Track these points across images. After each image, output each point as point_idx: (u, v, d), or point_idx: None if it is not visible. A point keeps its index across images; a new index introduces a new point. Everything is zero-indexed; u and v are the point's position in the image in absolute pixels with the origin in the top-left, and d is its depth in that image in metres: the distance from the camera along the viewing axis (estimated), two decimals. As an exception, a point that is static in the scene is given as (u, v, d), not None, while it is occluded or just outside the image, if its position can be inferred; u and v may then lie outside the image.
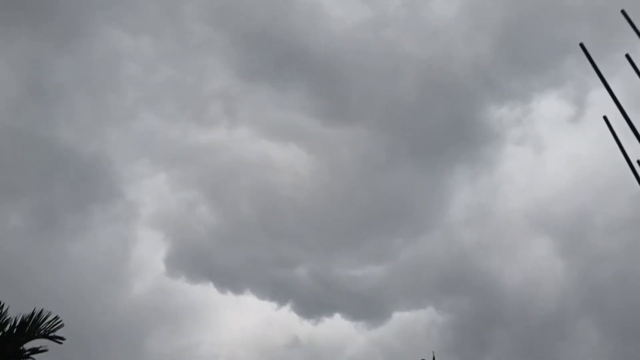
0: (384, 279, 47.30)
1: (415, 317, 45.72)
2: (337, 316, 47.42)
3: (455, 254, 47.75)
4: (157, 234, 49.46)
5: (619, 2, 11.99)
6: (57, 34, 48.84)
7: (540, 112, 52.65)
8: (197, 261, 48.69)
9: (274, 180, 52.17)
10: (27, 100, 46.64)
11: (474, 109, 52.26)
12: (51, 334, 14.74)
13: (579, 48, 11.71)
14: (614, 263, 39.72)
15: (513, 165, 52.94)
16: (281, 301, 47.47)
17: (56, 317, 14.85)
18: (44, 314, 14.91)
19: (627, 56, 11.21)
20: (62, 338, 15.04)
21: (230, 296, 48.50)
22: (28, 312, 14.78)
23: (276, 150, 53.09)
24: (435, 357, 17.64)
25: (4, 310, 14.49)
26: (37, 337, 14.86)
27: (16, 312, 14.86)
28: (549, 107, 52.86)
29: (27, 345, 14.97)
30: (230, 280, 48.26)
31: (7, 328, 14.42)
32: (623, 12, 11.29)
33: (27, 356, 14.82)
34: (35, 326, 14.81)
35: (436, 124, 51.62)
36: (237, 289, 47.95)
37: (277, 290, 48.25)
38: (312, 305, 47.56)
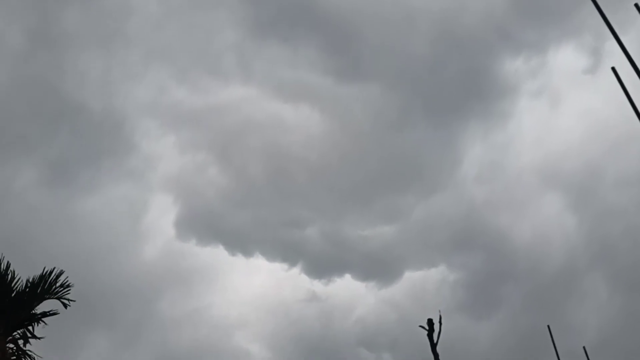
0: (395, 239, 47.34)
1: (426, 275, 45.96)
2: (348, 277, 47.83)
3: (467, 211, 47.59)
4: (166, 197, 49.60)
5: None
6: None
7: (557, 63, 51.35)
8: (207, 224, 48.73)
9: (285, 140, 51.66)
10: (35, 49, 46.17)
11: (489, 61, 50.98)
12: (61, 296, 14.92)
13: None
14: (624, 218, 39.41)
15: (526, 119, 51.92)
16: (292, 262, 47.75)
17: (65, 276, 15.01)
18: (55, 273, 15.07)
19: (636, 5, 10.71)
20: (72, 300, 15.26)
21: (240, 258, 48.90)
22: (39, 271, 14.96)
23: (287, 109, 52.37)
24: (442, 317, 17.69)
25: (13, 272, 14.67)
26: (48, 298, 15.04)
27: (28, 271, 15.07)
28: (565, 58, 51.52)
29: (38, 309, 15.26)
30: (240, 242, 48.30)
31: (18, 291, 14.61)
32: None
33: (39, 319, 15.10)
34: (47, 287, 14.97)
35: (450, 78, 50.49)
36: (248, 251, 47.91)
37: (287, 251, 48.45)
38: (323, 266, 47.82)
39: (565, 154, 48.14)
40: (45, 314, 15.08)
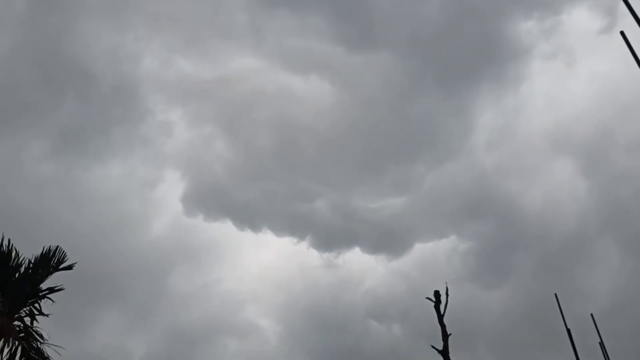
0: (405, 210, 47.09)
1: (437, 246, 45.80)
2: (357, 249, 47.74)
3: (477, 179, 47.17)
4: (173, 173, 49.38)
5: None
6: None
7: (571, 24, 50.07)
8: (214, 199, 48.59)
9: (294, 112, 51.01)
10: (41, 15, 45.53)
11: (501, 24, 49.79)
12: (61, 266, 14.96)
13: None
14: (636, 182, 38.85)
15: (539, 82, 51.09)
16: (300, 236, 47.71)
17: (65, 254, 15.05)
18: (59, 252, 15.12)
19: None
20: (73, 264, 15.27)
21: (249, 233, 48.73)
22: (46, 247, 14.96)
23: (296, 80, 51.56)
24: (450, 288, 17.56)
25: (16, 251, 14.68)
26: (52, 273, 15.09)
27: (35, 247, 15.09)
28: (579, 18, 50.19)
29: (44, 285, 15.32)
30: (248, 217, 48.23)
31: (22, 269, 14.64)
32: None
33: (45, 296, 15.15)
34: (51, 263, 15.02)
35: (462, 43, 49.40)
36: (256, 226, 47.90)
37: (296, 225, 48.39)
38: (332, 239, 47.83)
39: (578, 118, 47.35)
40: (51, 290, 15.13)
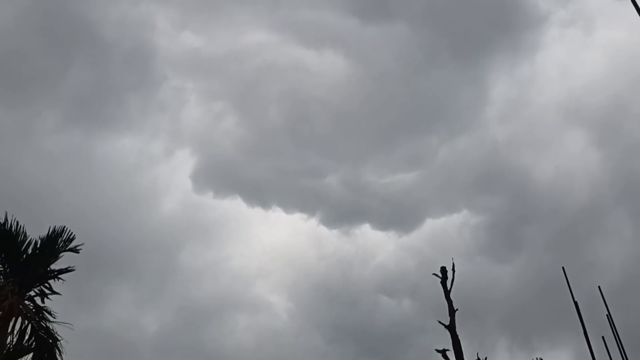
0: (416, 185, 46.54)
1: (448, 221, 45.44)
2: (367, 225, 47.62)
3: (490, 152, 46.51)
4: (183, 150, 49.09)
5: None
6: None
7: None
8: (224, 175, 48.02)
9: (305, 86, 50.03)
10: None
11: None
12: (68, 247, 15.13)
13: None
14: (650, 152, 38.18)
15: (555, 52, 49.82)
16: (310, 212, 47.59)
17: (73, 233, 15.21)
18: (66, 233, 15.28)
19: None
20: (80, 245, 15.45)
21: (259, 210, 48.65)
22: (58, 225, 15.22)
23: (309, 53, 50.50)
24: (461, 262, 17.48)
25: (24, 231, 14.83)
26: (59, 253, 15.22)
27: (47, 224, 15.25)
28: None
29: (54, 266, 15.48)
30: (258, 193, 47.86)
31: (30, 251, 14.80)
32: None
33: (56, 276, 15.32)
34: (58, 244, 15.17)
35: (478, 11, 48.10)
36: (266, 203, 47.54)
37: (306, 201, 48.20)
38: (343, 215, 47.65)
39: (591, 88, 46.37)
40: (62, 271, 15.30)
